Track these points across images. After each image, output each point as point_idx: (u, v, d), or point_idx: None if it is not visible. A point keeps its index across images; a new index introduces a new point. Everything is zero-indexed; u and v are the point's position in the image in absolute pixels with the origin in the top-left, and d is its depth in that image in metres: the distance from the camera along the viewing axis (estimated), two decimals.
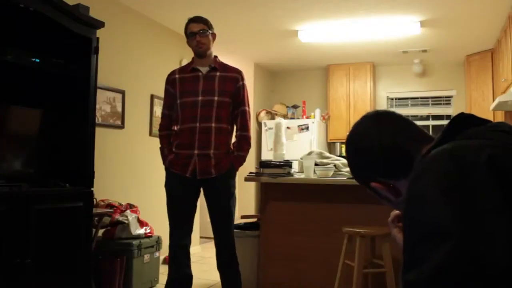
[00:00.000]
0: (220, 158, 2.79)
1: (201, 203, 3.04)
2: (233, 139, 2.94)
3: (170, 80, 2.91)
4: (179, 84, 2.86)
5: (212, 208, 2.86)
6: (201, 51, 2.83)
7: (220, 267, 2.92)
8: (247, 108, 2.90)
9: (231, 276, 2.91)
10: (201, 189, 2.88)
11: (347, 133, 1.01)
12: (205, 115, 2.76)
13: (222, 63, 2.93)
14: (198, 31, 2.83)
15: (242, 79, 2.89)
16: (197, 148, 2.75)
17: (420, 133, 0.93)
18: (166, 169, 2.87)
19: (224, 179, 2.82)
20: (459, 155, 0.71)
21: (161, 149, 2.91)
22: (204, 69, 2.85)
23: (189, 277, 2.95)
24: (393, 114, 0.96)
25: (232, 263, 2.90)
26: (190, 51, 3.00)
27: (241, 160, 2.88)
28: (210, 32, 2.88)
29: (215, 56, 2.92)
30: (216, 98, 2.78)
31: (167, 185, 2.86)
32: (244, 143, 2.86)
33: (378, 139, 0.92)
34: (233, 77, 2.86)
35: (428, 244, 0.66)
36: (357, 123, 0.98)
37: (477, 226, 0.63)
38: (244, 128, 2.87)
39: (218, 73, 2.84)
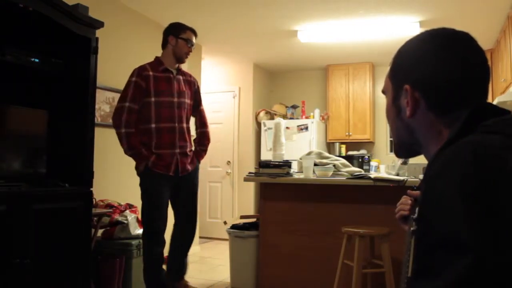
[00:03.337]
0: (191, 155, 3.10)
1: (202, 203, 3.05)
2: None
3: (143, 76, 2.95)
4: (153, 81, 2.95)
5: (187, 199, 3.11)
6: (184, 60, 3.09)
7: (181, 236, 3.17)
8: (203, 107, 3.32)
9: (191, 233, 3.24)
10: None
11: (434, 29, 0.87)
12: (180, 116, 3.01)
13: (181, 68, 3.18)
14: (192, 44, 3.08)
15: (197, 82, 3.30)
16: (178, 148, 2.98)
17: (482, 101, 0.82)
18: (148, 169, 2.92)
19: (195, 173, 3.16)
20: (482, 156, 0.65)
21: (135, 148, 2.90)
22: (174, 72, 3.06)
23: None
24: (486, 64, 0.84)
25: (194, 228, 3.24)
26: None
27: (203, 154, 3.22)
28: None
29: None
30: (187, 101, 3.08)
31: (151, 186, 2.94)
32: (205, 138, 3.22)
33: (453, 66, 0.81)
34: (192, 81, 3.19)
35: (444, 255, 0.61)
36: (458, 34, 0.84)
37: (499, 241, 0.59)
38: (204, 125, 3.24)
39: (182, 77, 3.10)
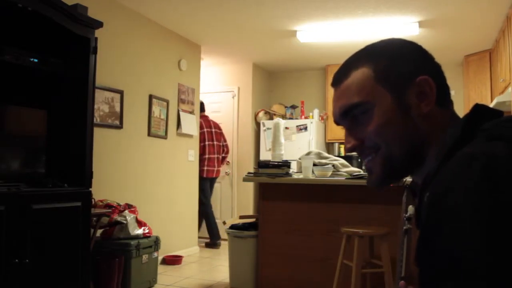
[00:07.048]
0: None
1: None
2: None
3: None
4: None
5: None
6: None
7: None
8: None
9: None
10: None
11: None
12: None
13: None
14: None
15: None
16: None
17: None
18: None
19: None
20: (494, 170, 0.60)
21: None
22: None
23: None
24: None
25: None
26: (187, 51, 3.06)
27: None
28: None
29: None
30: None
31: None
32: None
33: (436, 63, 0.84)
34: None
35: (454, 282, 0.56)
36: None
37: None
38: None
39: None
